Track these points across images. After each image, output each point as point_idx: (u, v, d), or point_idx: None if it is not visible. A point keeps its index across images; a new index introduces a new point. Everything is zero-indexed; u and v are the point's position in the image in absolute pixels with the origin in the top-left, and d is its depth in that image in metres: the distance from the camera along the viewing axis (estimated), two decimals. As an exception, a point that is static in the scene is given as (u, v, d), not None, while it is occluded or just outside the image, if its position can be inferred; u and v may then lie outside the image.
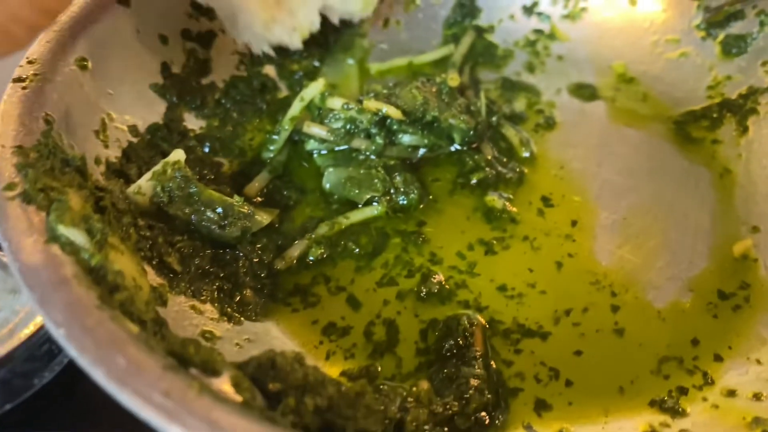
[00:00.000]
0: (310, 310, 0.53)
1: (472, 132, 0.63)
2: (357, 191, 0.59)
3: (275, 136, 0.63)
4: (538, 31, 0.79)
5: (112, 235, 0.44)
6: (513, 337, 0.51)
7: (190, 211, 0.52)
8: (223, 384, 0.37)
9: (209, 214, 0.53)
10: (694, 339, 0.51)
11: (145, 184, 0.51)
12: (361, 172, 0.60)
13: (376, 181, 0.60)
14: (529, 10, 0.79)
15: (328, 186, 0.60)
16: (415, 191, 0.60)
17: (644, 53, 0.75)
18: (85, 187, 0.45)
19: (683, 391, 0.48)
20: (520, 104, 0.72)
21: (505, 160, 0.65)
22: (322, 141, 0.62)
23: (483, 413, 0.45)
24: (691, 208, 0.62)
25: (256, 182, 0.61)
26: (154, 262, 0.49)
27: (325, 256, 0.57)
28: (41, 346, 0.46)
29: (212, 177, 0.60)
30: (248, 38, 0.65)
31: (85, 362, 0.33)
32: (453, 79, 0.66)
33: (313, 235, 0.57)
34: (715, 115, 0.69)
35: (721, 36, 0.71)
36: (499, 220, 0.60)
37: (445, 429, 0.43)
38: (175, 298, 0.48)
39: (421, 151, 0.64)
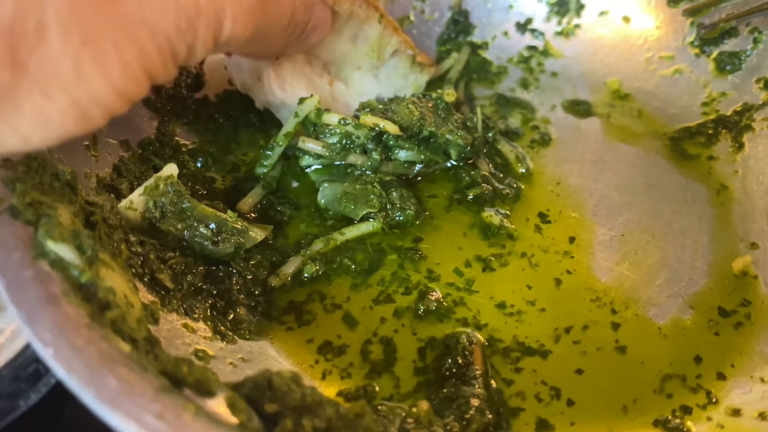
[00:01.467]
0: (305, 328, 0.52)
1: (468, 148, 0.63)
2: (353, 207, 0.58)
3: (269, 152, 0.62)
4: (532, 48, 0.79)
5: (103, 252, 0.42)
6: (513, 356, 0.50)
7: (182, 227, 0.51)
8: (218, 405, 0.36)
9: (202, 229, 0.52)
10: (696, 356, 0.50)
11: (137, 199, 0.50)
12: (357, 187, 0.59)
13: (372, 197, 0.59)
14: (522, 27, 0.79)
15: (323, 201, 0.59)
16: (412, 207, 0.59)
17: (638, 70, 0.75)
18: (75, 202, 0.44)
19: (687, 410, 0.47)
20: (515, 120, 0.72)
21: (501, 176, 0.64)
22: (318, 156, 0.61)
23: (484, 434, 0.44)
24: (689, 224, 0.61)
25: (250, 198, 0.60)
26: (145, 279, 0.48)
27: (320, 272, 0.55)
28: (27, 366, 0.44)
29: (204, 192, 0.58)
30: None
31: (73, 383, 0.32)
32: (449, 95, 0.65)
33: (308, 252, 0.56)
34: (710, 132, 0.69)
35: (715, 53, 0.72)
36: (497, 236, 0.59)
37: (447, 451, 0.42)
38: (167, 316, 0.47)
39: (418, 166, 0.63)
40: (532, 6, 0.79)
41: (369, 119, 0.60)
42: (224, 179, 0.62)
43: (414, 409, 0.43)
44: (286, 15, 0.50)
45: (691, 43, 0.73)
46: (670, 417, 0.46)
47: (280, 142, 0.61)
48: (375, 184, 0.60)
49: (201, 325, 0.48)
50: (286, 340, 0.51)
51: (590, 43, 0.78)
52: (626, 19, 0.77)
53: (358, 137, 0.60)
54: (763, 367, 0.49)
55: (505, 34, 0.79)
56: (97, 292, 0.38)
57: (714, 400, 0.47)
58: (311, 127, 0.61)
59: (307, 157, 0.61)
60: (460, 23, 0.80)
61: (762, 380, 0.48)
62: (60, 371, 0.32)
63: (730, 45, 0.71)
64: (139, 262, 0.48)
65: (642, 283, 0.56)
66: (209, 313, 0.50)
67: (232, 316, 0.51)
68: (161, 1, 0.38)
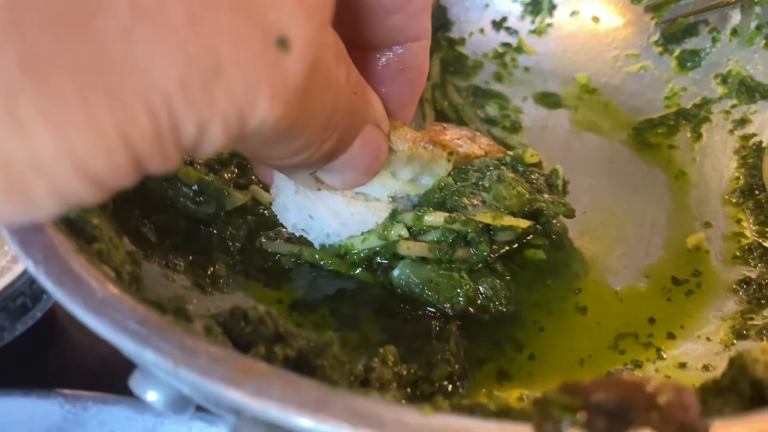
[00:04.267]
0: (281, 284, 0.54)
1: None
2: (434, 300, 0.51)
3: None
4: (507, 45, 0.83)
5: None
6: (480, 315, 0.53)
7: (167, 185, 0.54)
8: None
9: (185, 189, 0.54)
10: (650, 318, 0.53)
11: (123, 155, 0.52)
12: (441, 273, 0.51)
13: (457, 291, 0.51)
14: (498, 25, 0.83)
15: (400, 280, 0.52)
16: (503, 302, 0.52)
17: (606, 66, 0.79)
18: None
19: (638, 364, 0.50)
20: (492, 109, 0.75)
21: None
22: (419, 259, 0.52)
23: (446, 382, 0.47)
24: (648, 206, 0.65)
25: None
26: (129, 233, 0.50)
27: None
28: (16, 299, 0.46)
29: (188, 160, 0.61)
30: None
31: (63, 296, 0.34)
32: (533, 156, 0.58)
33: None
34: (671, 123, 0.73)
35: (677, 51, 0.76)
36: (466, 210, 0.62)
37: (408, 390, 0.45)
38: (148, 266, 0.49)
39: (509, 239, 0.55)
40: (507, 5, 0.84)
41: (502, 220, 0.52)
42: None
43: (381, 350, 0.45)
44: (327, 111, 0.37)
45: (656, 42, 0.78)
46: (622, 369, 0.49)
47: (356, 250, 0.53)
48: (463, 274, 0.52)
49: (181, 276, 0.51)
50: (261, 295, 0.53)
51: (561, 41, 0.82)
52: (596, 19, 0.81)
53: (466, 231, 0.51)
54: (710, 328, 0.52)
55: (481, 31, 0.83)
56: (85, 228, 0.40)
57: (663, 355, 0.50)
58: None
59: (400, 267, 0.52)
60: (439, 19, 0.83)
61: (708, 339, 0.51)
62: (50, 286, 0.35)
63: (691, 44, 0.76)
64: (124, 217, 0.51)
65: (601, 255, 0.59)
66: (189, 267, 0.52)
67: (211, 270, 0.53)
68: (161, 39, 0.23)
